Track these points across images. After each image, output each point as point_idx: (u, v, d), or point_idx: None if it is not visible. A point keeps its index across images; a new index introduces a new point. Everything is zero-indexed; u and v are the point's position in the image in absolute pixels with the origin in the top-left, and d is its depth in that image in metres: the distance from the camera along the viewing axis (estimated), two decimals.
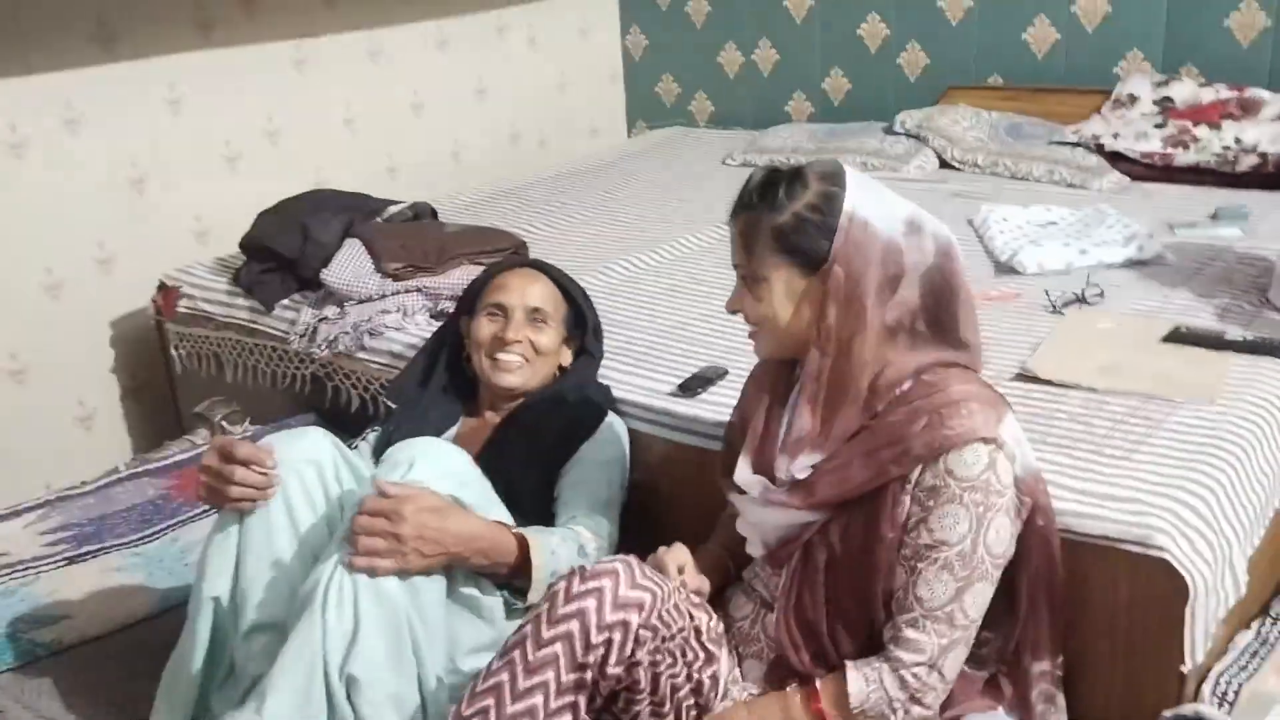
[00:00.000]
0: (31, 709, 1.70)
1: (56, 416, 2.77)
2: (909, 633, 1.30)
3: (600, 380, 1.97)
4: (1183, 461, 1.56)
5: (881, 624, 1.35)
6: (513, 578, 1.51)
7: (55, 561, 2.04)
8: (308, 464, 1.54)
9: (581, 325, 1.94)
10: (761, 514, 1.42)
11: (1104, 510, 1.46)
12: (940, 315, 1.35)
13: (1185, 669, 1.42)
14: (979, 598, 1.30)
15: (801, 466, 1.37)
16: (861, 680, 1.31)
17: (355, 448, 1.84)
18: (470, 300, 1.92)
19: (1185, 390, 1.75)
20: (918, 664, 1.30)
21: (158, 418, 2.90)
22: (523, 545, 1.49)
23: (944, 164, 3.24)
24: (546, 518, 1.69)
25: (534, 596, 1.49)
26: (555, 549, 1.52)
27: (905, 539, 1.32)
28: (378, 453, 1.77)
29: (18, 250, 2.64)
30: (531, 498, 1.70)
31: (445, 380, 1.91)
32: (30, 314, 2.68)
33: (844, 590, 1.36)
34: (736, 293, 1.40)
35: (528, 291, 1.86)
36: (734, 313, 1.42)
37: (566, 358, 1.92)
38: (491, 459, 1.70)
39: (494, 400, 1.86)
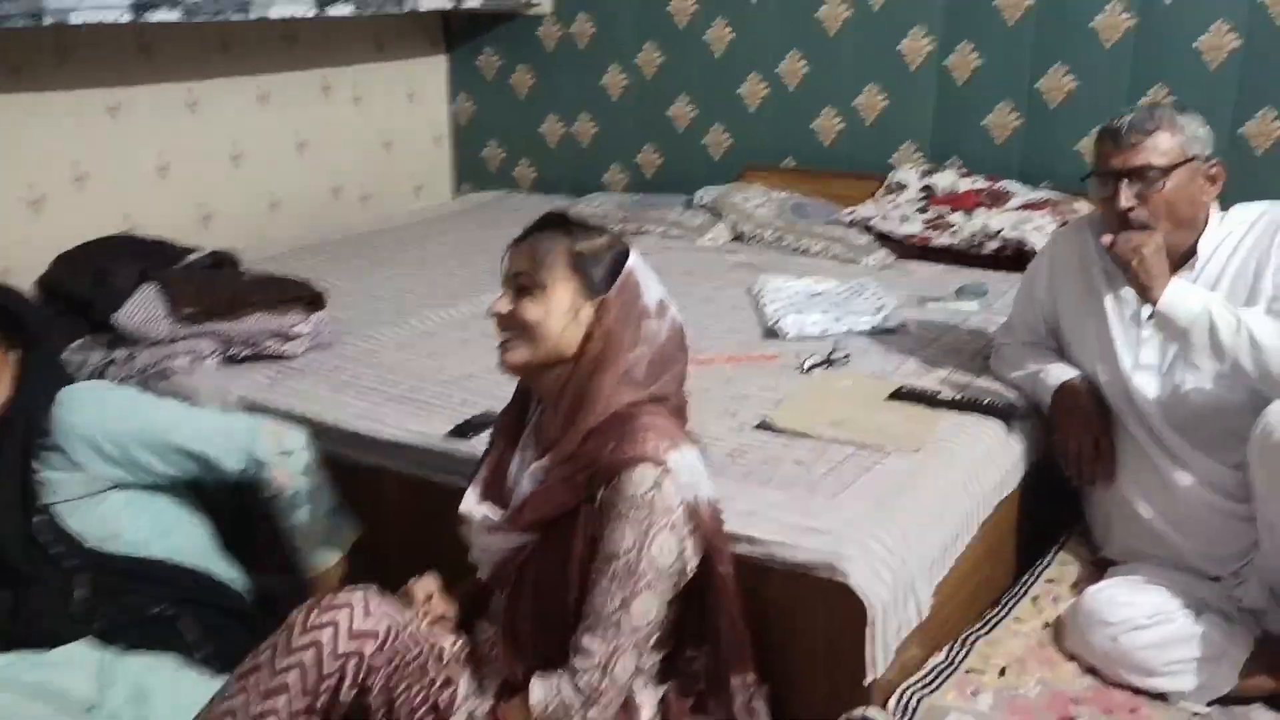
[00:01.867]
0: None
1: None
2: (584, 640, 1.44)
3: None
4: (879, 501, 1.78)
5: None
6: None
7: None
8: None
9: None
10: (485, 540, 1.57)
11: (805, 541, 1.66)
12: (658, 375, 1.53)
13: (866, 682, 1.62)
14: (645, 606, 1.44)
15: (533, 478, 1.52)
16: (542, 690, 1.45)
17: None
18: None
19: (895, 440, 1.98)
20: (590, 668, 1.43)
21: None
22: None
23: (737, 236, 3.50)
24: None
25: None
26: None
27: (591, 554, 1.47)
28: None
29: None
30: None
31: None
32: None
33: (550, 607, 1.49)
34: (507, 299, 1.50)
35: None
36: (497, 315, 1.51)
37: (10, 367, 1.82)
38: None
39: None
